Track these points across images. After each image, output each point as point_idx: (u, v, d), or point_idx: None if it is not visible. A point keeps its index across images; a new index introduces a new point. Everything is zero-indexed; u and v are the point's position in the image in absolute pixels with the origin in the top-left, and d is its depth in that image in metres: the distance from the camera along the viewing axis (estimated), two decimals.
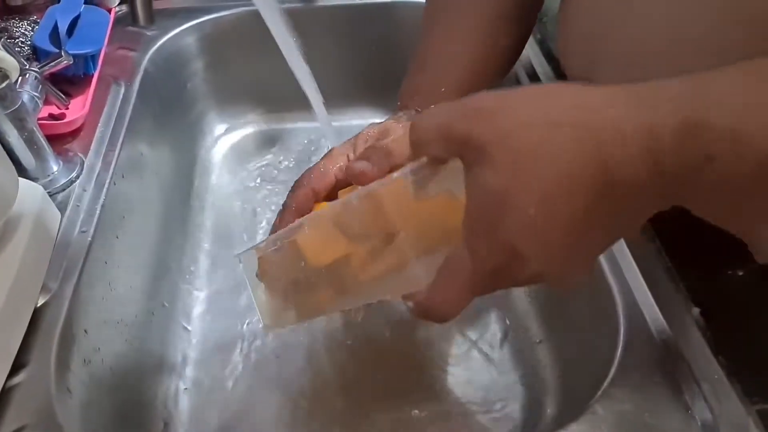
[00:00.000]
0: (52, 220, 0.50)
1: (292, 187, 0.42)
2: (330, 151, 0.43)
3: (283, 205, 0.42)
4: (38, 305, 0.45)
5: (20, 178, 0.44)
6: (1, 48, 0.55)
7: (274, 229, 0.43)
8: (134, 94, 0.67)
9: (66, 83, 0.63)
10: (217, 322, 0.64)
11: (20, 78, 0.56)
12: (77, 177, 0.56)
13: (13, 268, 0.42)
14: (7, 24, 0.66)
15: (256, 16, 0.52)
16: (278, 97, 0.84)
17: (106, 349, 0.50)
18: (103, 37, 0.67)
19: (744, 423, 0.41)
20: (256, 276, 0.40)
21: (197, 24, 0.79)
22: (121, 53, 0.72)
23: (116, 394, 0.50)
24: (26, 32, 0.65)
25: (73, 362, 0.45)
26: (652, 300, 0.47)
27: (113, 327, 0.52)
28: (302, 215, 0.40)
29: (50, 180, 0.55)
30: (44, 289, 0.46)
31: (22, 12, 0.69)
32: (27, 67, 0.58)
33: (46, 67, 0.59)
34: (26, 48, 0.63)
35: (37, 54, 0.63)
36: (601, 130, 0.27)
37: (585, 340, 0.53)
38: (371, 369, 0.59)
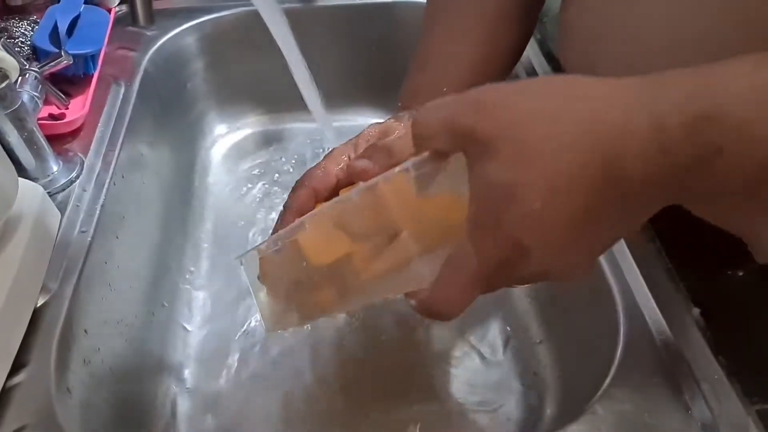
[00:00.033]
0: (52, 220, 0.50)
1: (293, 188, 0.42)
2: (331, 151, 0.43)
3: (284, 205, 0.41)
4: (38, 305, 0.45)
5: (20, 178, 0.44)
6: (1, 48, 0.55)
7: (275, 230, 0.43)
8: (134, 94, 0.67)
9: (66, 83, 0.63)
10: (216, 323, 0.64)
11: (20, 78, 0.56)
12: (77, 177, 0.56)
13: (12, 268, 0.42)
14: (7, 24, 0.66)
15: (257, 16, 0.52)
16: (278, 97, 0.84)
17: (105, 349, 0.50)
18: (103, 37, 0.67)
19: (744, 423, 0.41)
20: (258, 278, 0.40)
21: (197, 24, 0.79)
22: (121, 53, 0.72)
23: (116, 394, 0.50)
24: (26, 32, 0.65)
25: (73, 362, 0.45)
26: (652, 300, 0.47)
27: (113, 327, 0.52)
28: (303, 216, 0.40)
29: (50, 180, 0.55)
30: (44, 289, 0.46)
31: (21, 12, 0.69)
32: (27, 67, 0.58)
33: (46, 67, 0.59)
34: (26, 48, 0.63)
35: (36, 54, 0.63)
36: (607, 123, 0.27)
37: (585, 340, 0.53)
38: (371, 369, 0.59)
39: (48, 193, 0.51)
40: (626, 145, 0.27)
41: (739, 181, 0.27)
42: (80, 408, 0.44)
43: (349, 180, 0.40)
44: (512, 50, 0.52)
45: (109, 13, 0.71)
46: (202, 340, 0.63)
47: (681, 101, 0.26)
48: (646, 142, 0.26)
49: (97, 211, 0.53)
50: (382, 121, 0.46)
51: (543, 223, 0.28)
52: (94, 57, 0.65)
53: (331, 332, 0.62)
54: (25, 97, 0.54)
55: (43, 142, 0.54)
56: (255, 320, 0.64)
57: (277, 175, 0.81)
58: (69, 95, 0.62)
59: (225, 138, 0.86)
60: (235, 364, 0.60)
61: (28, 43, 0.64)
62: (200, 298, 0.67)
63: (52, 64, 0.59)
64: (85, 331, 0.47)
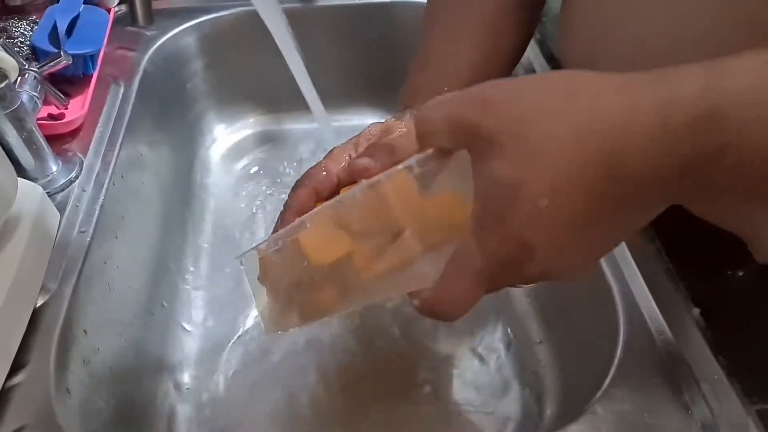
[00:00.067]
0: (52, 221, 0.50)
1: (293, 187, 0.41)
2: (331, 150, 0.43)
3: (285, 205, 0.41)
4: (37, 305, 0.45)
5: (19, 179, 0.44)
6: (1, 48, 0.55)
7: (276, 230, 0.42)
8: (133, 94, 0.67)
9: (65, 83, 0.63)
10: (216, 323, 0.64)
11: (19, 78, 0.55)
12: (76, 177, 0.56)
13: (12, 269, 0.42)
14: (7, 24, 0.66)
15: (256, 16, 0.52)
16: (278, 97, 0.84)
17: (105, 349, 0.50)
18: (103, 37, 0.67)
19: (744, 423, 0.41)
20: (258, 279, 0.39)
21: (196, 24, 0.79)
22: (121, 53, 0.72)
23: (115, 395, 0.50)
24: (25, 32, 0.65)
25: (73, 362, 0.45)
26: (652, 300, 0.47)
27: (112, 327, 0.52)
28: (304, 215, 0.39)
29: (49, 180, 0.55)
30: (43, 289, 0.46)
31: (21, 12, 0.69)
32: (26, 67, 0.58)
33: (46, 67, 0.59)
34: (25, 48, 0.63)
35: (36, 54, 0.63)
36: (611, 122, 0.27)
37: (585, 340, 0.53)
38: (371, 369, 0.59)
39: (47, 193, 0.51)
40: (630, 144, 0.26)
41: (741, 181, 0.27)
42: (79, 408, 0.44)
43: (350, 179, 0.39)
44: (513, 50, 0.52)
45: (109, 13, 0.71)
46: (202, 341, 0.63)
47: (686, 100, 0.26)
48: (649, 141, 0.26)
49: (97, 211, 0.53)
50: (382, 120, 0.46)
51: (547, 222, 0.27)
52: (93, 57, 0.65)
53: (331, 332, 0.62)
54: (25, 97, 0.54)
55: (43, 142, 0.54)
56: (254, 320, 0.64)
57: (276, 175, 0.81)
58: (68, 95, 0.62)
59: (224, 138, 0.86)
60: (235, 364, 0.60)
61: (28, 43, 0.64)
62: (200, 298, 0.67)
63: (51, 64, 0.59)
64: (85, 331, 0.47)
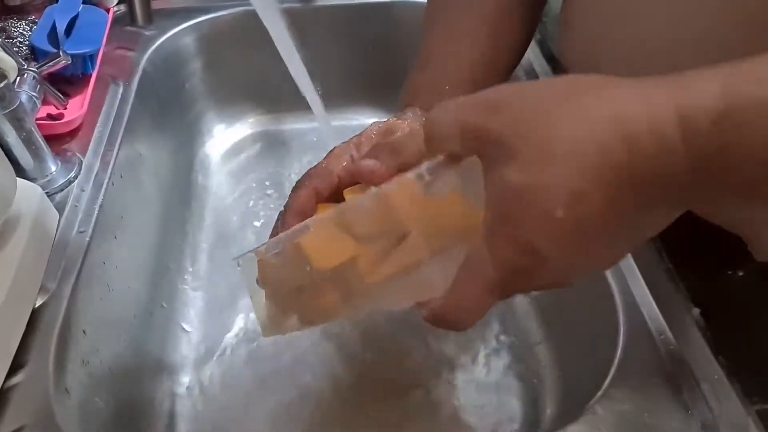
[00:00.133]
0: (51, 221, 0.50)
1: (294, 188, 0.41)
2: (332, 150, 0.42)
3: (285, 206, 0.41)
4: (36, 305, 0.45)
5: (18, 179, 0.44)
6: (0, 48, 0.55)
7: (275, 231, 0.42)
8: (132, 94, 0.67)
9: (64, 83, 0.63)
10: (215, 323, 0.64)
11: (18, 78, 0.55)
12: (75, 177, 0.56)
13: (11, 269, 0.42)
14: (6, 24, 0.66)
15: (255, 15, 0.51)
16: (277, 97, 0.84)
17: (104, 349, 0.50)
18: (102, 37, 0.67)
19: (744, 423, 0.41)
20: (256, 282, 0.38)
21: (195, 24, 0.79)
22: (120, 53, 0.72)
23: (115, 395, 0.50)
24: (24, 32, 0.65)
25: (72, 362, 0.45)
26: (652, 300, 0.47)
27: (112, 327, 0.52)
28: (305, 216, 0.38)
29: (48, 180, 0.55)
30: (42, 289, 0.46)
31: (20, 12, 0.69)
32: (25, 67, 0.58)
33: (45, 67, 0.59)
34: (24, 48, 0.63)
35: (35, 54, 0.63)
36: (631, 124, 0.26)
37: (585, 340, 0.53)
38: (371, 369, 0.59)
39: (46, 193, 0.51)
40: (650, 148, 0.25)
41: (758, 184, 0.26)
42: (79, 408, 0.44)
43: (351, 179, 0.39)
44: (514, 50, 0.52)
45: (108, 13, 0.71)
46: (201, 341, 0.63)
47: (704, 106, 0.25)
48: (669, 145, 0.25)
49: (96, 211, 0.53)
50: (382, 120, 0.46)
51: (564, 231, 0.27)
52: (92, 57, 0.65)
53: (332, 332, 0.62)
54: (24, 97, 0.54)
55: (42, 142, 0.54)
56: (254, 321, 0.64)
57: (275, 174, 0.81)
58: (67, 95, 0.62)
59: (223, 138, 0.86)
60: (234, 365, 0.60)
61: (27, 43, 0.64)
62: (199, 298, 0.66)
63: (50, 64, 0.59)
64: (84, 331, 0.47)
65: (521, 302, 0.64)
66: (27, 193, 0.47)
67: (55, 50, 0.60)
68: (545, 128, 0.27)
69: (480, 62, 0.49)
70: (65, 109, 0.61)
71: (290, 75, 0.53)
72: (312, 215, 0.38)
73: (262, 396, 0.58)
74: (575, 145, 0.26)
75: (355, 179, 0.38)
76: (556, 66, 0.71)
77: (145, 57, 0.73)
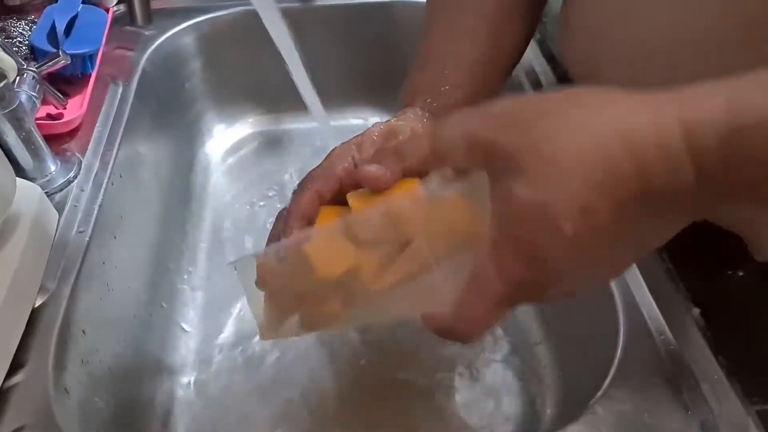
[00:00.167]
0: (50, 221, 0.50)
1: (296, 191, 0.40)
2: (332, 151, 0.42)
3: (288, 209, 0.40)
4: (36, 305, 0.45)
5: (18, 179, 0.44)
6: None
7: (274, 232, 0.42)
8: (132, 94, 0.67)
9: (64, 83, 0.63)
10: (215, 323, 0.64)
11: (18, 78, 0.55)
12: (75, 177, 0.56)
13: (11, 269, 0.42)
14: (5, 24, 0.66)
15: (254, 15, 0.51)
16: (277, 97, 0.84)
17: (104, 349, 0.50)
18: (101, 37, 0.67)
19: (744, 423, 0.41)
20: (255, 285, 0.37)
21: (195, 23, 0.79)
22: (119, 53, 0.72)
23: (114, 395, 0.50)
24: (24, 32, 0.65)
25: (71, 362, 0.45)
26: (652, 300, 0.47)
27: (111, 327, 0.52)
28: (308, 219, 0.38)
29: (48, 180, 0.55)
30: (42, 289, 0.46)
31: (19, 12, 0.68)
32: (25, 66, 0.58)
33: (44, 67, 0.59)
34: (24, 48, 0.63)
35: (34, 54, 0.63)
36: (637, 138, 0.26)
37: (585, 340, 0.53)
38: (371, 370, 0.59)
39: (46, 193, 0.51)
40: (656, 162, 0.26)
41: (761, 193, 0.26)
42: (78, 408, 0.44)
43: (353, 181, 0.38)
44: (513, 49, 0.52)
45: (107, 13, 0.71)
46: (201, 341, 0.63)
47: (710, 121, 0.25)
48: (675, 158, 0.25)
49: (95, 211, 0.53)
50: (381, 120, 0.46)
51: (574, 246, 0.27)
52: (92, 57, 0.65)
53: (331, 333, 0.62)
54: (23, 97, 0.54)
55: (41, 142, 0.54)
56: (253, 321, 0.63)
57: (275, 174, 0.81)
58: (67, 95, 0.62)
59: (223, 137, 0.86)
60: (234, 365, 0.60)
61: (26, 42, 0.64)
62: (199, 298, 0.66)
63: (49, 63, 0.59)
64: (83, 331, 0.47)
65: None
66: (26, 193, 0.47)
67: (55, 50, 0.60)
68: (552, 143, 0.27)
69: (480, 62, 0.49)
70: (65, 108, 0.61)
71: (290, 75, 0.53)
72: (315, 218, 0.37)
73: (262, 396, 0.58)
74: (582, 160, 0.26)
75: (361, 185, 0.37)
76: (556, 66, 0.71)
77: (145, 57, 0.73)
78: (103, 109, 0.64)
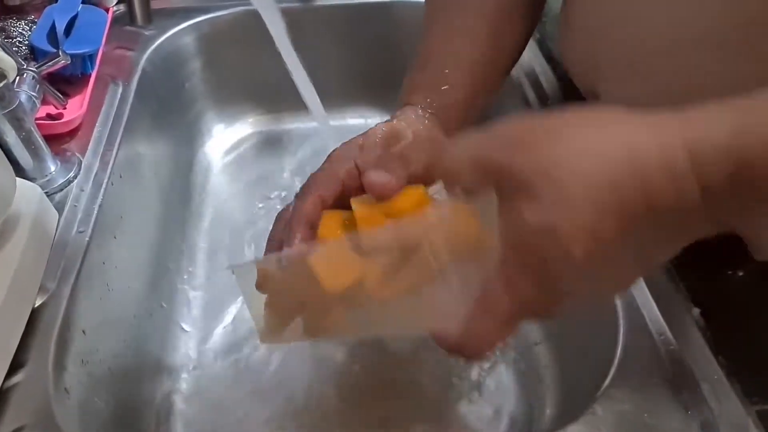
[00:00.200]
0: (50, 221, 0.50)
1: (299, 195, 0.40)
2: (333, 152, 0.42)
3: (291, 215, 0.39)
4: (36, 305, 0.45)
5: (18, 178, 0.44)
6: None
7: (274, 233, 0.41)
8: (132, 94, 0.67)
9: (63, 83, 0.63)
10: (215, 323, 0.64)
11: (18, 78, 0.55)
12: (75, 177, 0.56)
13: (10, 269, 0.42)
14: (5, 24, 0.66)
15: (254, 15, 0.51)
16: (277, 97, 0.84)
17: (104, 349, 0.50)
18: (101, 37, 0.67)
19: (744, 423, 0.41)
20: (257, 288, 0.37)
21: (195, 23, 0.79)
22: (119, 53, 0.72)
23: (114, 395, 0.50)
24: (24, 32, 0.65)
25: (71, 362, 0.45)
26: (652, 300, 0.47)
27: (111, 327, 0.52)
28: (311, 224, 0.38)
29: (48, 180, 0.55)
30: (42, 289, 0.46)
31: (19, 12, 0.68)
32: (25, 66, 0.58)
33: (44, 67, 0.59)
34: (24, 48, 0.63)
35: (34, 54, 0.63)
36: (643, 161, 0.26)
37: (584, 340, 0.53)
38: (371, 370, 0.59)
39: (46, 193, 0.51)
40: (661, 184, 0.26)
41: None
42: (78, 408, 0.44)
43: (356, 185, 0.38)
44: (513, 49, 0.52)
45: (107, 13, 0.71)
46: (201, 341, 0.63)
47: (716, 143, 0.26)
48: (680, 180, 0.26)
49: (95, 211, 0.53)
50: (382, 120, 0.45)
51: (581, 267, 0.27)
52: (91, 57, 0.65)
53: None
54: (23, 97, 0.54)
55: (41, 142, 0.54)
56: (253, 322, 0.63)
57: (275, 174, 0.81)
58: (67, 95, 0.62)
59: (223, 138, 0.86)
60: (234, 365, 0.60)
61: (26, 42, 0.64)
62: (198, 298, 0.66)
63: (49, 63, 0.59)
64: (83, 331, 0.47)
65: None
66: (26, 193, 0.47)
67: (55, 50, 0.60)
68: (560, 169, 0.27)
69: (479, 62, 0.49)
70: (65, 108, 0.61)
71: (290, 75, 0.53)
72: (317, 222, 0.37)
73: (262, 396, 0.58)
74: (590, 185, 0.26)
75: (366, 191, 0.36)
76: (556, 66, 0.71)
77: (145, 57, 0.73)
78: (103, 109, 0.64)
